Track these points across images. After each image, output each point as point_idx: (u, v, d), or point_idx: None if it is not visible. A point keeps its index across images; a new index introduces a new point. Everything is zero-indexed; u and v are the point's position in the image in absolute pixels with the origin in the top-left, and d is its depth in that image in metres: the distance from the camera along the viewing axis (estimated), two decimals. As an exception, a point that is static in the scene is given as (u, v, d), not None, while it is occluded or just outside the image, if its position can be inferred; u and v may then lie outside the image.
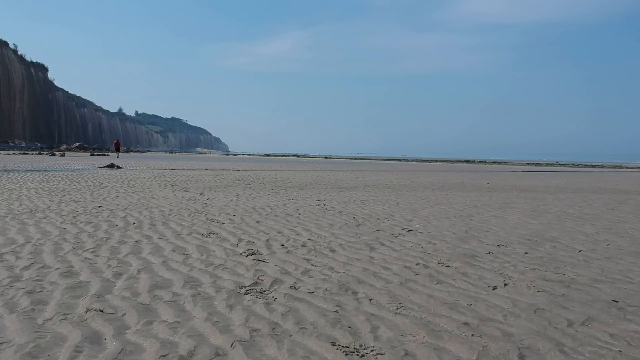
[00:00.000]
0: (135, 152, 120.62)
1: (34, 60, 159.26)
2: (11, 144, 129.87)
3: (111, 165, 29.33)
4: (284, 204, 10.80)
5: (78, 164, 32.77)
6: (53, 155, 58.70)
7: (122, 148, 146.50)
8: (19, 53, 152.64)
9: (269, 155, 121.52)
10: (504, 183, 19.99)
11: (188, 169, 28.27)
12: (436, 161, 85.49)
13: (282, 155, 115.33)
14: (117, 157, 56.90)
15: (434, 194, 14.16)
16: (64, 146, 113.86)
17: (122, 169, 26.96)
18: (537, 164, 78.48)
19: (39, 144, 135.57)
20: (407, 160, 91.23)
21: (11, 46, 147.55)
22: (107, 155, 69.47)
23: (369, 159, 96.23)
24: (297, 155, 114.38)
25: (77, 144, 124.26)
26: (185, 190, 14.09)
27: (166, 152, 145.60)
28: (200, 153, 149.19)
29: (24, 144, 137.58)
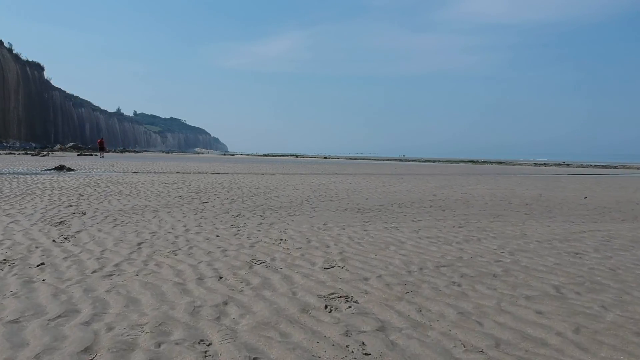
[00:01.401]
0: (131, 152, 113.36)
1: (30, 59, 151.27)
2: (5, 144, 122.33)
3: (60, 168, 22.16)
4: (228, 296, 3.41)
5: (25, 166, 25.41)
6: (36, 155, 51.31)
7: (120, 147, 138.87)
8: (14, 52, 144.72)
9: (267, 155, 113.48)
10: (605, 197, 12.58)
11: (152, 172, 20.86)
12: (439, 161, 78.20)
13: (281, 156, 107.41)
14: (102, 156, 50.35)
15: (561, 231, 6.76)
16: (58, 146, 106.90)
17: (69, 172, 19.58)
18: (545, 164, 71.50)
19: (33, 144, 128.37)
20: (409, 161, 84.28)
21: (6, 44, 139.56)
22: (94, 155, 61.61)
23: (370, 159, 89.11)
24: (296, 156, 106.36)
25: (72, 143, 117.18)
26: (59, 223, 6.73)
27: (163, 152, 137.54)
28: (198, 153, 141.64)
29: (18, 144, 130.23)
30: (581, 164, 72.14)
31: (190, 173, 20.80)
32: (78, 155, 60.32)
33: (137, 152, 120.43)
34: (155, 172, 21.28)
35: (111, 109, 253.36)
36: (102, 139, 57.64)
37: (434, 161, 79.43)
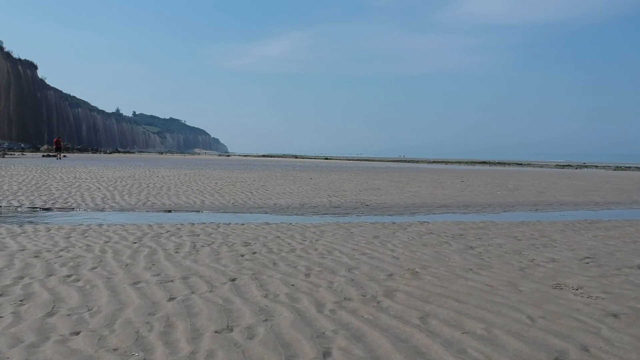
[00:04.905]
0: (122, 152, 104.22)
1: (22, 58, 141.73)
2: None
3: None
4: None
5: None
6: (-9, 156, 42.11)
7: (111, 148, 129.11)
8: (6, 50, 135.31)
9: (264, 156, 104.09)
10: None
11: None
12: (450, 162, 69.00)
13: (279, 156, 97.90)
14: (59, 157, 41.49)
15: None
16: (45, 146, 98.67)
17: None
18: (569, 165, 62.40)
19: (22, 145, 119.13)
20: (418, 162, 74.69)
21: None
22: (54, 155, 51.64)
23: (374, 160, 79.70)
24: (296, 156, 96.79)
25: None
26: None
27: (159, 152, 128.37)
28: (197, 154, 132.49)
29: (6, 144, 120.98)
30: (606, 165, 62.95)
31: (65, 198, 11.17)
32: (42, 156, 50.66)
33: (130, 152, 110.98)
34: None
35: (110, 109, 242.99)
36: (59, 138, 48.48)
37: (445, 162, 70.08)
